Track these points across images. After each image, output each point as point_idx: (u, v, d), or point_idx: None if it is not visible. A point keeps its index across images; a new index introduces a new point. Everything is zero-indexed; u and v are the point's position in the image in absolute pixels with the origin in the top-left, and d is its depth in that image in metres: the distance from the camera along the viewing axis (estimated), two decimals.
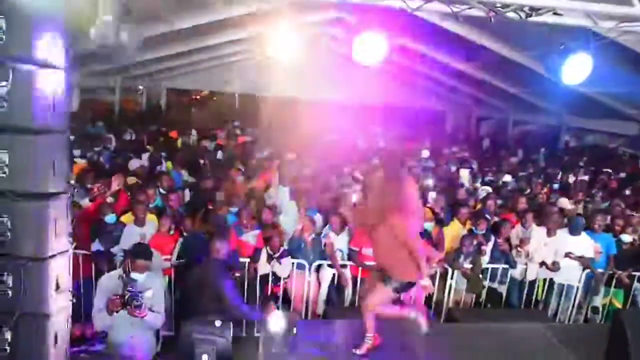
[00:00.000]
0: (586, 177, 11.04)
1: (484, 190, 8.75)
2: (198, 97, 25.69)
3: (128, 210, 6.59)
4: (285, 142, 10.92)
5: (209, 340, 3.63)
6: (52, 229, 3.23)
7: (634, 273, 6.93)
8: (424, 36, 12.60)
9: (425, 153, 12.10)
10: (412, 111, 22.34)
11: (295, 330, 4.57)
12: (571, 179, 10.92)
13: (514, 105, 18.60)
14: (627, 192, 10.00)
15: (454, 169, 10.68)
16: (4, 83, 3.09)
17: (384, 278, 4.37)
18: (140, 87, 20.03)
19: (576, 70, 4.49)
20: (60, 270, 3.35)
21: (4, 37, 3.09)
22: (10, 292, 3.21)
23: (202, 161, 9.79)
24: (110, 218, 6.26)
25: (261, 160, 9.81)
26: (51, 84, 3.25)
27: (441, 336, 5.18)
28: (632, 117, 14.36)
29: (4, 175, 3.12)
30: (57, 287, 3.33)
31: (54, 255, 3.26)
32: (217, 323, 3.89)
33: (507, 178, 10.15)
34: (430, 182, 9.30)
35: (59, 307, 3.37)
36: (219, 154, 10.81)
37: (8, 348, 3.23)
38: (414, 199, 4.41)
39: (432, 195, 8.24)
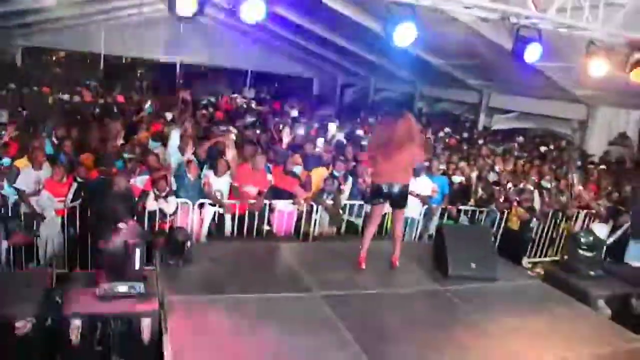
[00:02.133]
0: (431, 136, 13.12)
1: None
2: (54, 57, 24.77)
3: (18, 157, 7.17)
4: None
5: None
6: None
7: (460, 207, 8.89)
8: (294, 4, 13.81)
9: (294, 112, 13.52)
10: (282, 77, 23.87)
11: (189, 244, 5.65)
12: None
13: (375, 74, 20.66)
14: (465, 147, 12.23)
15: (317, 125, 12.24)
16: None
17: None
18: None
19: (404, 34, 5.97)
20: None
21: None
22: None
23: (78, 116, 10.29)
24: (5, 161, 6.79)
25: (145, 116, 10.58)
26: None
27: (307, 250, 6.62)
28: (473, 87, 16.94)
29: None
30: None
31: None
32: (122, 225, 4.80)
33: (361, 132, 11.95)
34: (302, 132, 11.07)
35: None
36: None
37: None
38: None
39: (320, 141, 9.84)
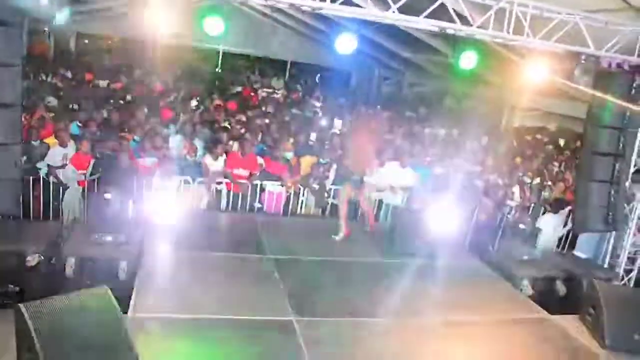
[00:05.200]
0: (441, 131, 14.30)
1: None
2: (110, 41, 27.12)
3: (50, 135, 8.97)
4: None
5: None
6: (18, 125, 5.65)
7: None
8: None
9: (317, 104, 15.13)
10: (321, 68, 25.28)
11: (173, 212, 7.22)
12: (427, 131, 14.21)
13: (409, 68, 21.73)
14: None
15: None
16: None
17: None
18: (46, 29, 21.26)
19: (344, 43, 7.31)
20: (18, 152, 5.78)
21: None
22: None
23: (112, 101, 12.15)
24: (35, 142, 8.60)
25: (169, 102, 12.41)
26: (10, 35, 5.56)
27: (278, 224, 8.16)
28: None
29: None
30: (16, 164, 5.75)
31: (14, 144, 5.67)
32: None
33: None
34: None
35: (18, 176, 5.82)
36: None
37: None
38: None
39: (313, 135, 11.31)
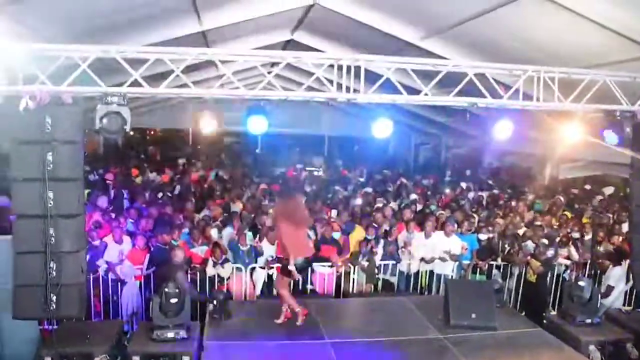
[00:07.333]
0: (484, 194, 14.35)
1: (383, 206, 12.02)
2: (153, 132, 28.65)
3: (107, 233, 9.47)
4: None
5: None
6: (83, 232, 6.05)
7: (491, 262, 10.02)
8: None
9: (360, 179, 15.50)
10: (359, 140, 25.86)
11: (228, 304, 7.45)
12: (471, 195, 14.26)
13: (446, 132, 22.02)
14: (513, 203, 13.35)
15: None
16: (50, 153, 5.91)
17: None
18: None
19: (381, 129, 7.69)
20: (83, 258, 6.16)
21: (50, 127, 5.92)
22: (54, 273, 5.97)
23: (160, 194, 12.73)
24: (96, 242, 9.08)
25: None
26: (73, 151, 6.07)
27: (331, 305, 8.20)
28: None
29: (51, 204, 5.92)
30: (82, 269, 6.13)
31: (80, 250, 6.06)
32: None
33: (413, 197, 13.48)
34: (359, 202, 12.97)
35: (84, 280, 6.17)
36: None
37: (55, 305, 5.97)
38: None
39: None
